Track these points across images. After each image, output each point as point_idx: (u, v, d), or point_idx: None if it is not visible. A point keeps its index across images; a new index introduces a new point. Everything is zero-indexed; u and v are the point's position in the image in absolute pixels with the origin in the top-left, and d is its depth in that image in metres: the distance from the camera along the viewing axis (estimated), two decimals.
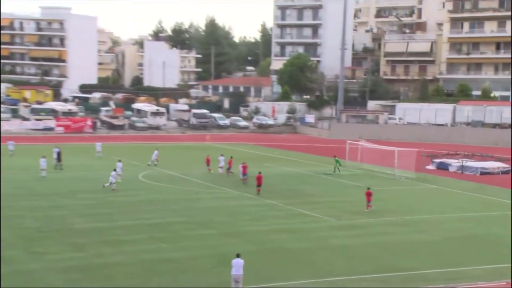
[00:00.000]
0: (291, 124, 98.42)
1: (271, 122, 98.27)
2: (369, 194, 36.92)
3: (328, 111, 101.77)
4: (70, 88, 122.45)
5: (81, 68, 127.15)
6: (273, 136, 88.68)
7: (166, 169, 52.69)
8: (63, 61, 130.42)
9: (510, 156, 59.06)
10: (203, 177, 48.31)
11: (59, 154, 50.88)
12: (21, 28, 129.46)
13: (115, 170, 41.45)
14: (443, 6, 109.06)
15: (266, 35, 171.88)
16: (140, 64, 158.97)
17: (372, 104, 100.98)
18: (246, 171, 45.20)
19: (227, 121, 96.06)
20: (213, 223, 33.04)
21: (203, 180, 47.01)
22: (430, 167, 56.99)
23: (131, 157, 54.93)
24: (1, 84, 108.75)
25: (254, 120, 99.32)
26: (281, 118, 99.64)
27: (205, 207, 37.23)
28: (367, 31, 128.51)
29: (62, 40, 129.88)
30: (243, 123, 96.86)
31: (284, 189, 43.75)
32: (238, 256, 22.22)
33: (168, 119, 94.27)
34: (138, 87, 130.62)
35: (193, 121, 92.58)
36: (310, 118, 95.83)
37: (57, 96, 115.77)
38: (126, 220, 33.08)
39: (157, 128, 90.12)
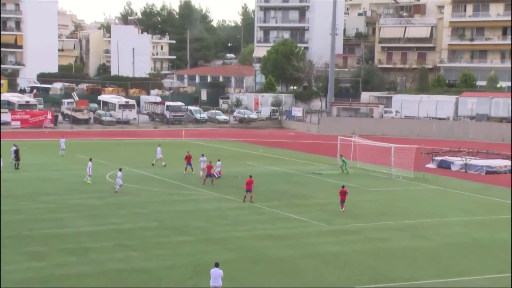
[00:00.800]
0: (276, 118, 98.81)
1: (254, 116, 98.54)
2: (343, 193, 37.56)
3: (317, 103, 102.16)
4: (27, 77, 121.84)
5: (40, 55, 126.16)
6: (256, 132, 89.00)
7: (136, 168, 52.73)
8: (19, 47, 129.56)
9: None
10: (178, 177, 48.48)
11: (17, 152, 50.71)
12: None
13: (120, 170, 41.81)
14: None
15: (248, 18, 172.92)
16: (107, 51, 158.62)
17: (366, 96, 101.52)
18: (210, 172, 45.72)
19: (204, 115, 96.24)
20: (189, 228, 33.19)
21: (177, 181, 47.16)
22: (431, 165, 57.33)
23: (98, 155, 54.89)
24: None
25: (235, 113, 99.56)
26: (265, 111, 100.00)
27: (179, 211, 37.40)
28: (360, 14, 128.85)
29: (18, 23, 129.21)
30: (222, 117, 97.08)
31: (268, 190, 43.98)
32: (216, 265, 22.36)
33: (139, 112, 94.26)
34: (105, 77, 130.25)
35: (167, 114, 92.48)
36: (297, 111, 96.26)
37: (12, 87, 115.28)
38: (91, 225, 33.15)
39: (126, 122, 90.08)
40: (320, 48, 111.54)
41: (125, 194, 41.85)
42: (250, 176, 39.93)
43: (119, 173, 41.49)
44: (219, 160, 48.80)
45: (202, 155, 49.12)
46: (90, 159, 46.32)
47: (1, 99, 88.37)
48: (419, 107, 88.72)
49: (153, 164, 52.90)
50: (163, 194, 42.07)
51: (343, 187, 38.44)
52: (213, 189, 44.03)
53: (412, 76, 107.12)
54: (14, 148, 50.94)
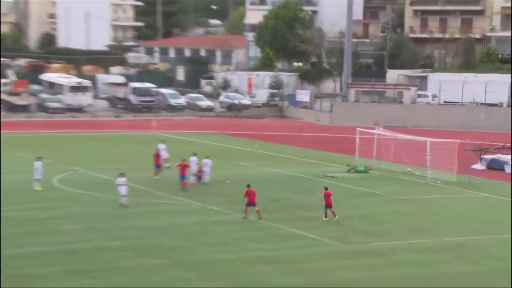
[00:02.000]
0: (276, 104, 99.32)
1: (246, 101, 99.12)
2: (328, 196, 38.71)
3: (329, 85, 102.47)
4: None
5: None
6: (249, 122, 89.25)
7: (93, 171, 52.90)
8: None
9: None
10: (147, 183, 48.51)
11: None
12: None
13: (122, 174, 41.33)
14: None
15: None
16: (52, 16, 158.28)
17: (393, 75, 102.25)
18: (185, 172, 46.37)
19: (182, 100, 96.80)
20: (161, 249, 33.22)
21: (146, 187, 47.23)
22: (478, 166, 57.93)
23: (42, 153, 54.43)
24: None
25: (222, 98, 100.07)
26: (261, 95, 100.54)
27: (149, 226, 37.43)
28: None
29: None
30: (205, 102, 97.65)
31: (267, 199, 43.89)
32: None
33: (96, 96, 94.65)
34: (50, 50, 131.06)
35: (133, 99, 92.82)
36: (304, 95, 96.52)
37: None
38: (34, 245, 33.12)
39: (78, 110, 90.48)
40: (333, 12, 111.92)
41: (78, 205, 41.90)
42: (248, 186, 39.85)
43: (121, 179, 41.05)
44: (194, 155, 48.84)
45: (194, 154, 48.92)
46: (39, 158, 46.34)
47: None
48: (463, 89, 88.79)
49: (168, 167, 52.29)
50: (129, 205, 41.98)
51: (326, 188, 39.37)
52: (193, 198, 44.15)
53: (454, 49, 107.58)
54: None
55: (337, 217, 38.75)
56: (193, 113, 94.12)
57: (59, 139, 69.70)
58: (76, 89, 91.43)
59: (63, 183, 47.86)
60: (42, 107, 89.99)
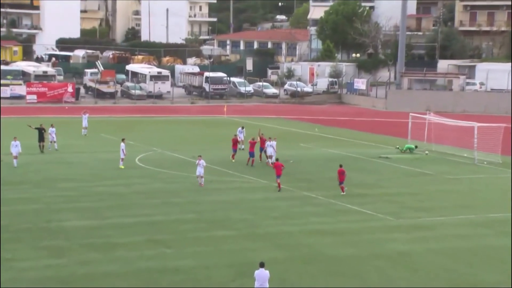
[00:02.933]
0: (335, 91, 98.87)
1: (308, 89, 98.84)
2: (342, 173, 38.96)
3: (384, 74, 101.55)
4: (45, 43, 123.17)
5: (59, 17, 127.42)
6: (311, 108, 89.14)
7: (170, 151, 53.27)
8: (36, 8, 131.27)
9: None
10: (219, 162, 48.73)
11: (41, 132, 51.33)
12: None
13: (200, 157, 40.73)
14: None
15: None
16: (136, 13, 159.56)
17: (443, 65, 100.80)
18: (253, 149, 46.73)
19: (250, 88, 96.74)
20: (231, 221, 33.47)
21: (218, 166, 47.46)
22: None
23: (126, 135, 55.27)
24: None
25: (286, 86, 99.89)
26: (322, 83, 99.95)
27: (220, 201, 37.65)
28: None
29: None
30: (271, 90, 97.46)
31: (325, 178, 44.15)
32: (262, 265, 22.39)
33: (173, 85, 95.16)
34: (134, 43, 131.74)
35: (206, 87, 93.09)
36: (361, 83, 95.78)
37: (28, 54, 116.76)
38: (118, 217, 33.66)
39: (158, 96, 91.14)
40: (389, 7, 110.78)
41: (158, 181, 42.41)
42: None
43: (201, 161, 40.50)
44: (271, 140, 48.19)
45: (271, 139, 48.05)
46: (123, 140, 46.87)
47: (15, 68, 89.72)
48: (509, 78, 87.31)
49: (242, 149, 52.22)
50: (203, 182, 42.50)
51: (340, 166, 39.53)
52: (260, 176, 44.28)
53: (500, 40, 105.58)
54: (41, 127, 51.47)
55: (344, 192, 39.10)
56: (260, 100, 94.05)
57: (140, 123, 70.42)
58: (156, 78, 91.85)
59: (143, 162, 48.38)
60: (126, 94, 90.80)
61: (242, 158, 48.60)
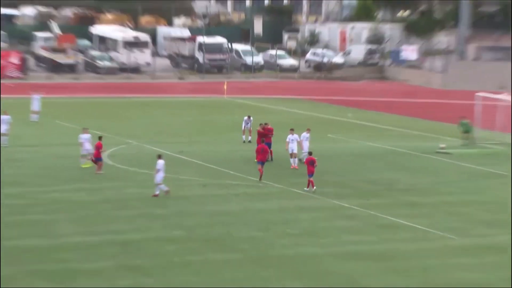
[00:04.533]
0: (375, 63, 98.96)
1: (339, 59, 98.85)
2: (311, 163, 40.29)
3: (442, 39, 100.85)
4: None
5: None
6: (342, 86, 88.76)
7: (151, 144, 52.89)
8: None
9: None
10: (217, 160, 48.44)
11: None
12: None
13: (160, 157, 39.99)
14: None
15: None
16: None
17: None
18: (269, 139, 46.95)
19: (259, 58, 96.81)
20: (233, 240, 33.11)
21: (215, 164, 47.11)
22: None
23: (91, 123, 55.12)
24: None
25: (309, 56, 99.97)
26: (358, 52, 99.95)
27: (218, 212, 37.37)
28: None
29: None
30: (288, 61, 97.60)
31: (363, 180, 44.03)
32: None
33: (155, 54, 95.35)
34: None
35: (199, 58, 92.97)
36: (410, 52, 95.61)
37: None
38: (79, 235, 33.13)
39: (135, 70, 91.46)
40: None
41: (133, 185, 42.12)
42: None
43: (160, 162, 39.86)
44: (308, 131, 47.98)
45: (291, 131, 47.66)
46: (86, 129, 46.77)
47: None
48: None
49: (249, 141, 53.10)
50: (194, 186, 42.10)
51: (310, 154, 41.17)
52: (272, 178, 43.95)
53: None
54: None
55: (314, 188, 40.61)
56: (273, 75, 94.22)
57: (111, 106, 70.35)
58: (132, 45, 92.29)
59: (115, 159, 48.03)
60: (91, 67, 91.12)
61: (250, 155, 48.20)
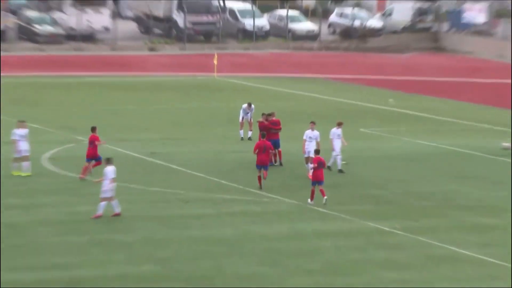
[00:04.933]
0: (427, 28, 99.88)
1: (375, 23, 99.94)
2: (319, 165, 41.36)
3: None
4: None
5: None
6: (381, 59, 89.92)
7: (112, 142, 52.58)
8: None
9: None
10: (204, 167, 48.49)
11: None
12: None
13: (109, 161, 40.70)
14: None
15: None
16: None
17: None
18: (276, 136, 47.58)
19: (264, 21, 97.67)
20: (227, 279, 32.82)
21: (202, 172, 47.07)
22: None
23: (27, 112, 55.86)
24: None
25: (334, 18, 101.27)
26: (402, 13, 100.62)
27: (205, 239, 37.31)
28: None
29: None
30: (304, 25, 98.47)
31: (408, 193, 44.07)
32: None
33: (117, 15, 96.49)
34: None
35: (179, 20, 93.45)
36: (476, 12, 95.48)
37: None
38: (9, 271, 32.60)
39: (88, 37, 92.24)
40: None
41: (84, 201, 41.87)
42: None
43: (108, 171, 40.11)
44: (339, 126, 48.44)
45: (312, 124, 48.25)
46: (21, 123, 46.92)
47: None
48: None
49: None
50: (171, 202, 42.00)
51: (317, 152, 42.50)
52: (282, 191, 43.89)
53: None
54: None
55: (325, 197, 41.11)
56: (283, 44, 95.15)
57: (53, 88, 70.51)
58: (83, 2, 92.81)
59: (58, 164, 48.20)
60: (26, 33, 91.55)
61: (250, 157, 47.96)
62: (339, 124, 48.19)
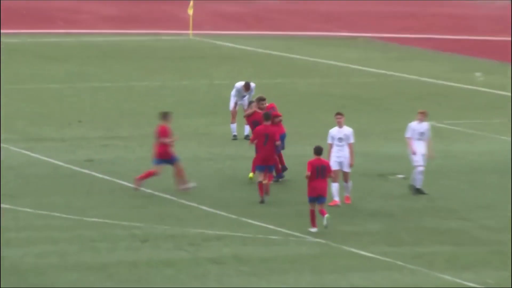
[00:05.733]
0: None
1: None
2: (321, 172, 37.94)
3: None
4: None
5: None
6: (453, 7, 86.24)
7: (28, 144, 49.48)
8: None
9: None
10: (169, 178, 42.66)
11: None
12: None
13: None
14: None
15: None
16: None
17: None
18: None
19: None
20: None
21: (168, 191, 41.20)
22: None
23: None
24: None
25: None
26: None
27: None
28: None
29: None
30: None
31: (507, 227, 37.05)
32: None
33: None
34: None
35: None
36: None
37: None
38: None
39: None
40: None
41: None
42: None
43: None
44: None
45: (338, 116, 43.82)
46: None
47: None
48: None
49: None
50: (118, 240, 34.87)
51: (318, 152, 37.92)
52: (304, 223, 36.09)
53: None
54: None
55: (326, 216, 36.29)
56: None
57: None
58: None
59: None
60: None
61: (245, 164, 44.72)
62: (422, 115, 40.76)
